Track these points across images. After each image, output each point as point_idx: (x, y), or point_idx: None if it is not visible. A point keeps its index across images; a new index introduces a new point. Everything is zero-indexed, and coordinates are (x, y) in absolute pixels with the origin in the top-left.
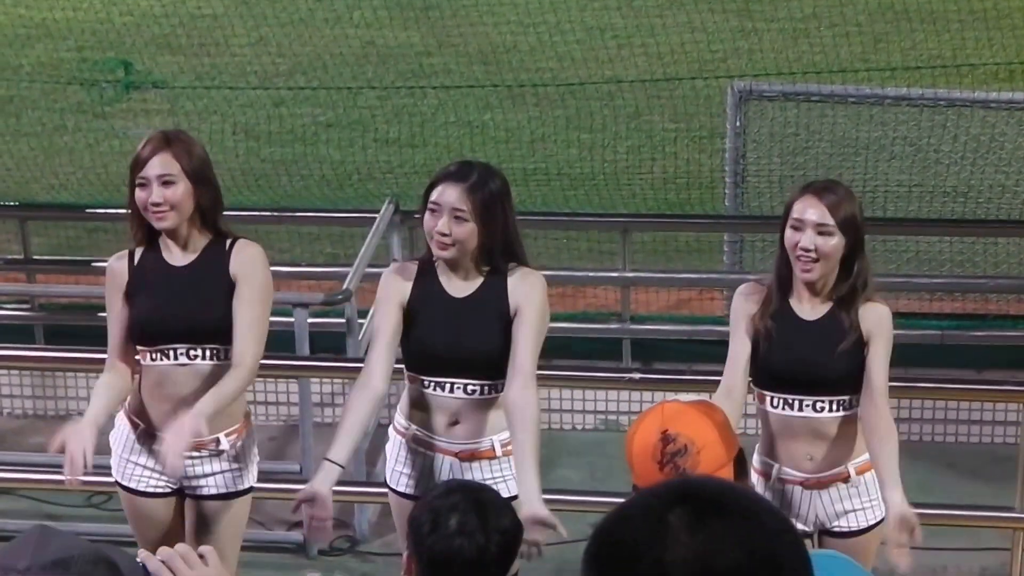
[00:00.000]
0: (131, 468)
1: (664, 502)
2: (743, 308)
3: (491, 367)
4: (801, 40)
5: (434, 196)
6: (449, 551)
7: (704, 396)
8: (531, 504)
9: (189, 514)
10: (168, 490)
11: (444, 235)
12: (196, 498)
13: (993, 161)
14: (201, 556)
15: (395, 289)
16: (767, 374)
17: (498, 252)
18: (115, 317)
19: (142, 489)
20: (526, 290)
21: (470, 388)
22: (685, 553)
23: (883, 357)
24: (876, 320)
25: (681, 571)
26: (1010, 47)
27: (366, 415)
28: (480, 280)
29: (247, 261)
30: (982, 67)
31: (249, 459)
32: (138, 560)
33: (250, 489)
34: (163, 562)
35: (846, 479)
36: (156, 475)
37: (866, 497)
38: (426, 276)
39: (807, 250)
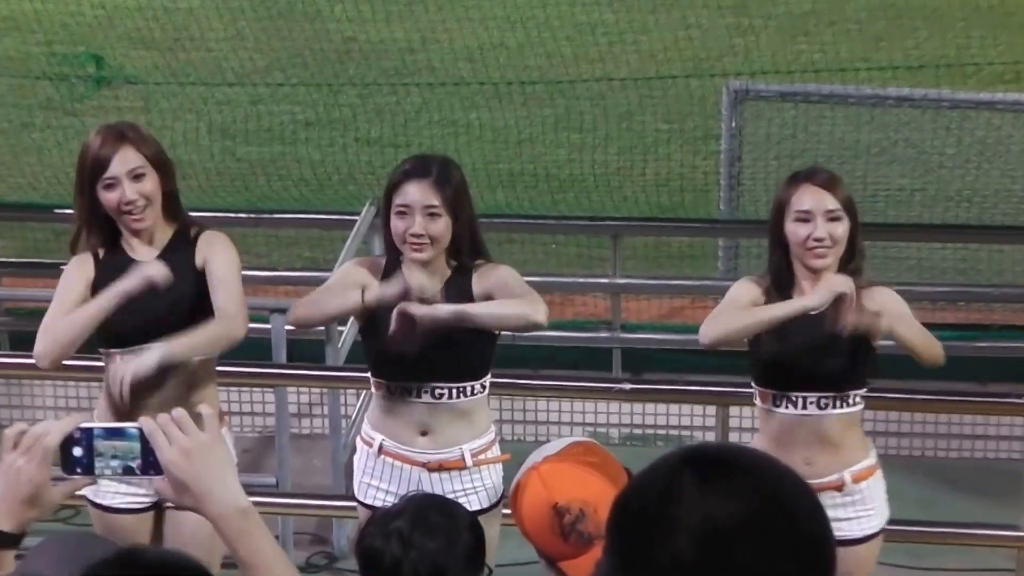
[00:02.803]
0: (103, 483)
1: (672, 468)
2: (748, 292)
3: (458, 369)
4: (799, 38)
5: (400, 199)
6: (372, 551)
7: (575, 437)
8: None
9: (169, 529)
10: (144, 505)
11: (419, 236)
12: (176, 509)
13: (998, 165)
14: (198, 418)
15: (362, 277)
16: (771, 369)
17: (467, 246)
18: (71, 300)
19: (116, 505)
20: (492, 274)
21: (437, 392)
22: (695, 514)
23: (909, 316)
24: (880, 297)
25: (694, 532)
26: (1016, 46)
27: None
28: (447, 278)
29: (213, 246)
30: (987, 67)
31: None
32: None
33: None
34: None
35: (840, 487)
36: (132, 489)
37: (862, 506)
38: (390, 275)
39: (820, 240)
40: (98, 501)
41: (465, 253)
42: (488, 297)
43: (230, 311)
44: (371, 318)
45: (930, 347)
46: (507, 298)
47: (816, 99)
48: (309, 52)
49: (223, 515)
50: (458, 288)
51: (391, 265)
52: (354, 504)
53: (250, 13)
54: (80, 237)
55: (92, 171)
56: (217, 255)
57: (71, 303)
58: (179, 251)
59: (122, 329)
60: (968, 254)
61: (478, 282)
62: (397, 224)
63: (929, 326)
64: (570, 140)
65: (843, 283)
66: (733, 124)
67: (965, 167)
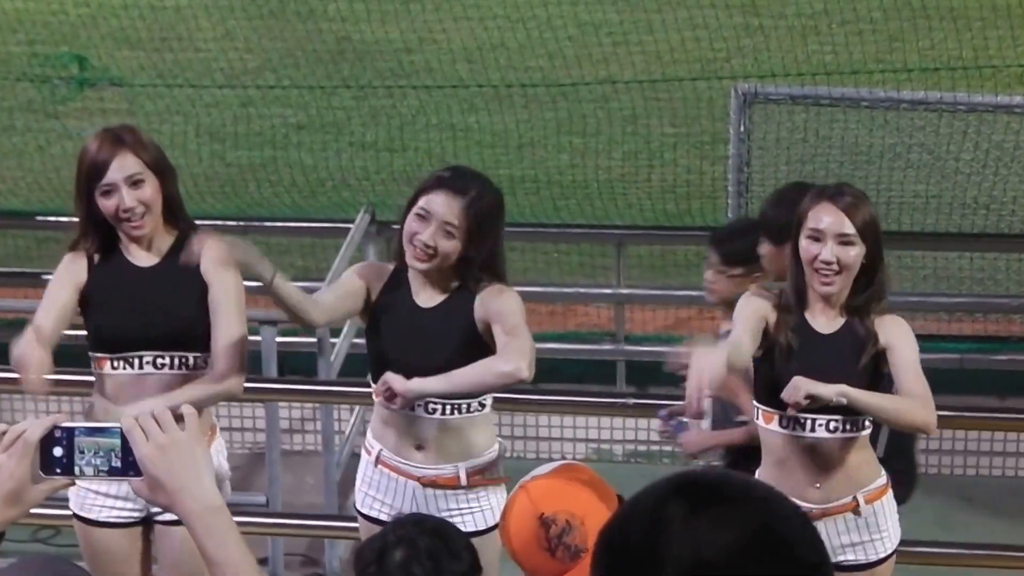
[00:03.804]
0: (91, 498)
1: (660, 497)
2: (756, 306)
3: None
4: (811, 38)
5: (425, 202)
6: None
7: (566, 459)
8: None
9: (159, 543)
10: (133, 519)
11: (427, 247)
12: (166, 524)
13: (1017, 170)
14: (179, 419)
15: (368, 278)
16: (778, 391)
17: (475, 270)
18: (55, 305)
19: (103, 519)
20: (495, 298)
21: (431, 407)
22: (683, 547)
23: (913, 361)
24: (894, 329)
25: (681, 566)
26: None
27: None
28: (450, 291)
29: (217, 264)
30: (1006, 69)
31: (221, 476)
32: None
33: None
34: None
35: (855, 509)
36: (120, 503)
37: (875, 529)
38: (396, 281)
39: (828, 263)
40: (84, 515)
41: (471, 277)
42: (486, 323)
43: (224, 366)
44: (372, 321)
45: (919, 408)
46: (501, 336)
47: (828, 102)
48: (302, 52)
49: (195, 512)
50: (458, 307)
51: (398, 272)
52: (346, 524)
53: (240, 12)
54: (81, 240)
55: (89, 176)
56: (219, 278)
57: (53, 309)
58: (180, 258)
59: (115, 335)
60: (986, 263)
61: (480, 304)
62: (412, 224)
63: (945, 338)
64: (573, 144)
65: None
66: (742, 128)
67: (983, 173)
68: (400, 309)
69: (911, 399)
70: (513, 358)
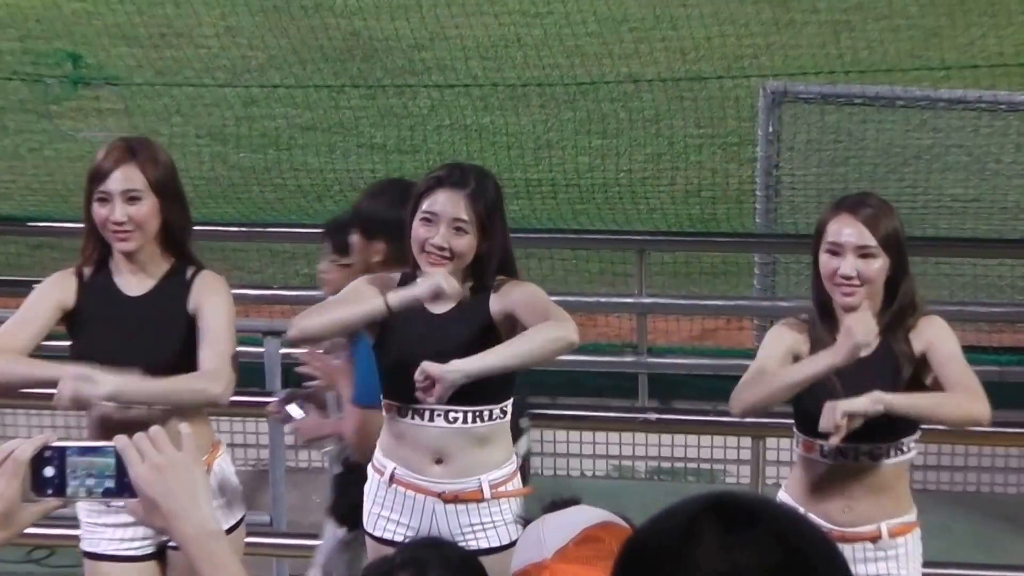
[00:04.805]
0: (99, 532)
1: (694, 513)
2: (785, 339)
3: (475, 391)
4: (844, 34)
5: (428, 205)
6: None
7: (590, 517)
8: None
9: (173, 571)
10: (145, 552)
11: (441, 248)
12: (178, 549)
13: None
14: (178, 437)
15: (374, 293)
16: (819, 421)
17: (493, 267)
18: (35, 324)
19: (111, 552)
20: (520, 294)
21: (452, 416)
22: (715, 562)
23: (956, 354)
24: (929, 331)
25: (713, 571)
26: None
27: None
28: (464, 295)
29: (209, 293)
30: None
31: (230, 491)
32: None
33: (240, 522)
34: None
35: (875, 539)
36: (130, 532)
37: (903, 565)
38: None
39: (848, 278)
40: (92, 550)
41: (488, 274)
42: (507, 317)
43: (212, 367)
44: (384, 332)
45: (966, 400)
46: (532, 318)
47: (862, 101)
48: (308, 49)
49: (192, 536)
50: (474, 309)
51: (406, 279)
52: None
53: (243, 6)
54: (86, 245)
55: (91, 180)
56: (211, 303)
57: (27, 324)
58: (171, 290)
59: (104, 368)
60: None
61: (497, 300)
62: (420, 231)
63: (985, 350)
64: (593, 146)
65: (862, 330)
66: (771, 129)
67: None
68: (414, 318)
69: (954, 393)
70: (561, 324)
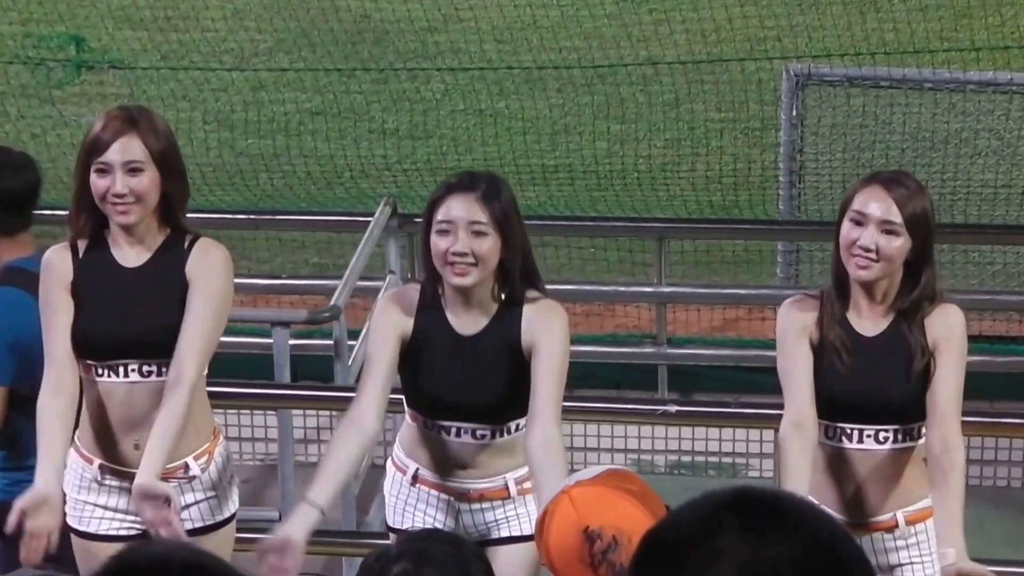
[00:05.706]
0: (88, 510)
1: (716, 507)
2: (795, 321)
3: (503, 411)
4: (870, 15)
5: (441, 214)
6: None
7: (612, 465)
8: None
9: None
10: (135, 532)
11: (463, 255)
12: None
13: None
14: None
15: (394, 322)
16: (823, 400)
17: (518, 273)
18: (60, 321)
19: (102, 532)
20: (545, 325)
21: (479, 433)
22: (737, 554)
23: (954, 369)
24: (944, 324)
25: (740, 564)
26: None
27: (355, 456)
28: (492, 313)
29: (206, 264)
30: None
31: (226, 482)
32: None
33: (232, 517)
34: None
35: (892, 528)
36: (120, 515)
37: (925, 550)
38: (430, 309)
39: (867, 249)
40: (81, 529)
41: (517, 282)
42: (531, 348)
43: (187, 378)
44: (411, 353)
45: (959, 476)
46: (542, 380)
47: (888, 84)
48: (317, 32)
49: None
50: (506, 326)
51: (429, 296)
52: (366, 541)
53: None
54: (74, 218)
55: (88, 150)
56: (201, 286)
57: (61, 330)
58: (169, 259)
59: (100, 342)
60: None
61: (528, 325)
62: (438, 243)
63: (1016, 339)
64: (611, 131)
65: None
66: (794, 112)
67: None
68: (441, 341)
69: (950, 475)
70: (560, 433)
